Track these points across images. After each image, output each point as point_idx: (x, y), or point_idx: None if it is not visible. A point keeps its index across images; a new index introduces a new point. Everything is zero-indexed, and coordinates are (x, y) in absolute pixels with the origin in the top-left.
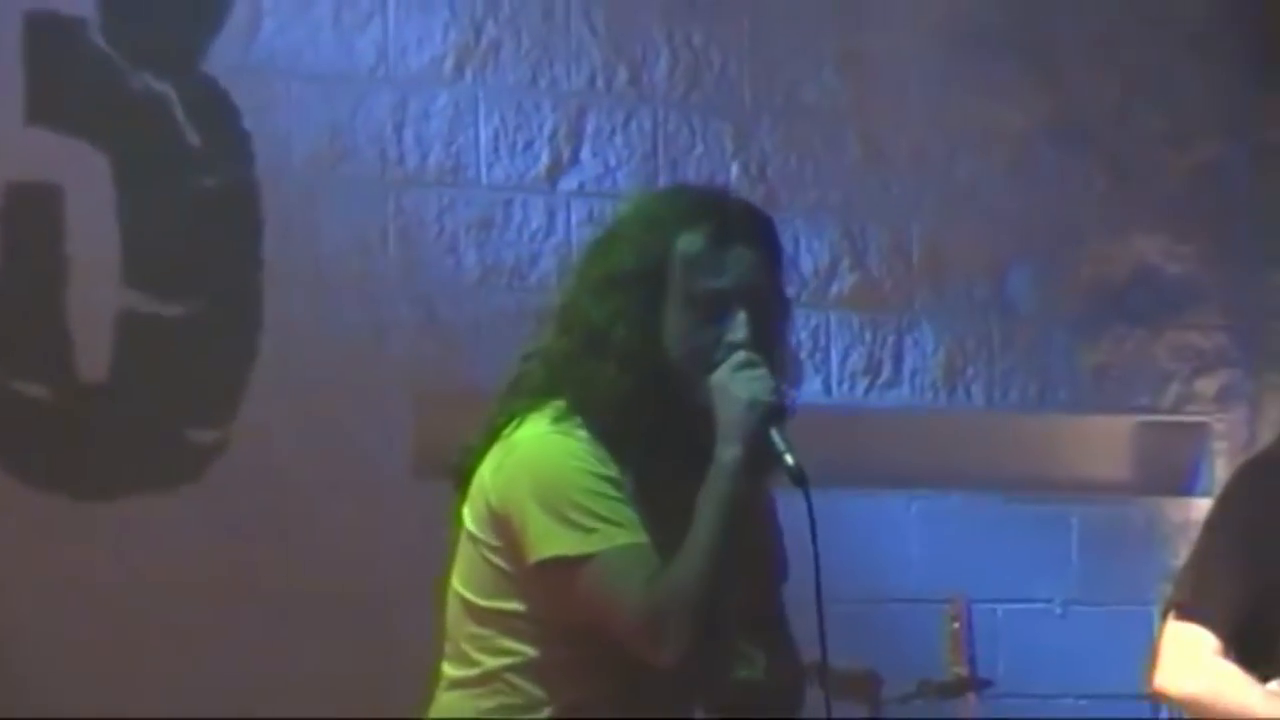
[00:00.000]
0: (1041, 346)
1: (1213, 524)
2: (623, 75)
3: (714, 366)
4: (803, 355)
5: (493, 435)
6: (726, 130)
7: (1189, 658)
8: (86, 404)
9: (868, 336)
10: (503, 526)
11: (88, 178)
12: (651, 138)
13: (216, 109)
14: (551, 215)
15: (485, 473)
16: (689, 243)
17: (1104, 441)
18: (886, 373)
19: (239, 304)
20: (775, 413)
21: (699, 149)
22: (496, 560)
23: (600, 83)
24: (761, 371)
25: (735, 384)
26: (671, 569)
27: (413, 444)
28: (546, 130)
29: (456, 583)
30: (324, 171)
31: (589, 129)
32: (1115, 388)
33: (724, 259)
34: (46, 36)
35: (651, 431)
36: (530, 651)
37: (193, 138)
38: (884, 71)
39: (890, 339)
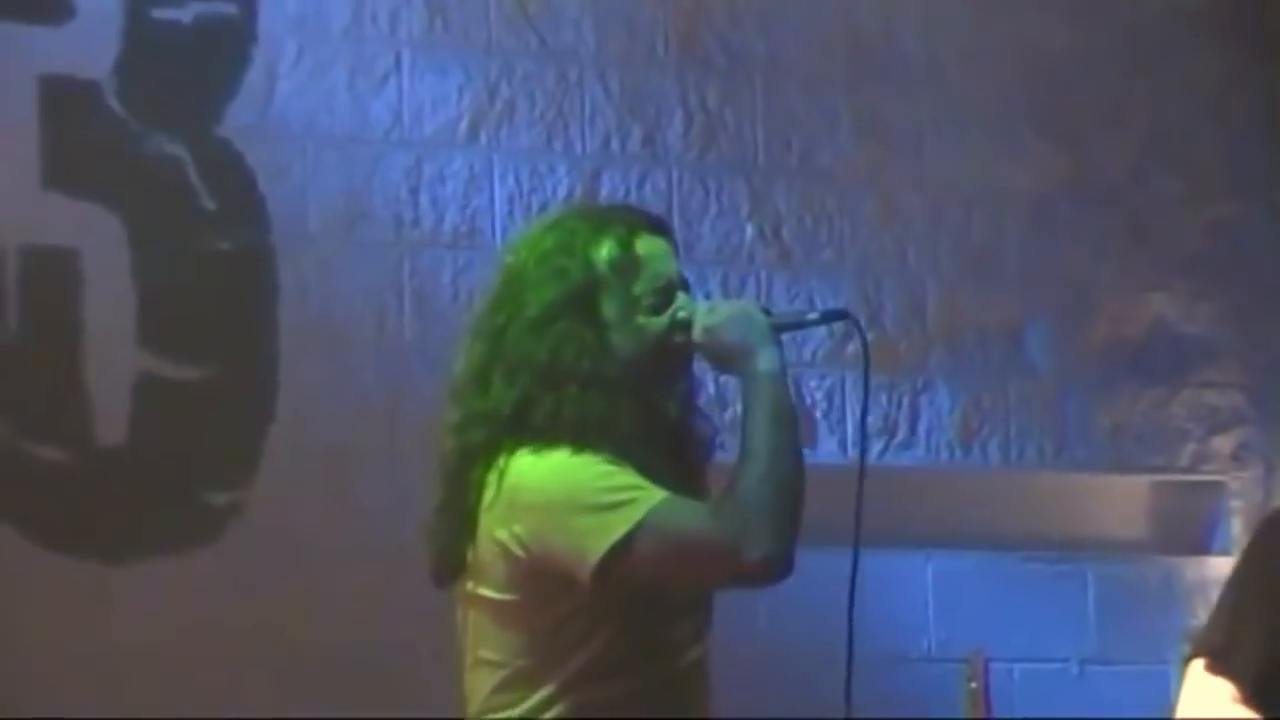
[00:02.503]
0: (1058, 405)
1: (1238, 576)
2: (637, 136)
3: (676, 349)
4: (818, 415)
5: (463, 512)
6: (741, 191)
7: (1213, 706)
8: (104, 467)
9: (883, 397)
10: (544, 565)
11: (104, 241)
12: (666, 198)
13: (232, 172)
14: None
15: (495, 533)
16: (609, 251)
17: (1120, 500)
18: (902, 433)
19: (255, 367)
20: (768, 314)
21: (714, 210)
22: (543, 608)
23: (615, 144)
24: (728, 300)
25: (718, 313)
26: (733, 485)
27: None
28: (561, 192)
29: (484, 653)
30: (339, 234)
31: (604, 190)
32: (1132, 446)
33: (645, 254)
34: (62, 100)
35: (633, 437)
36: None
37: (208, 201)
38: (899, 132)
39: (906, 399)
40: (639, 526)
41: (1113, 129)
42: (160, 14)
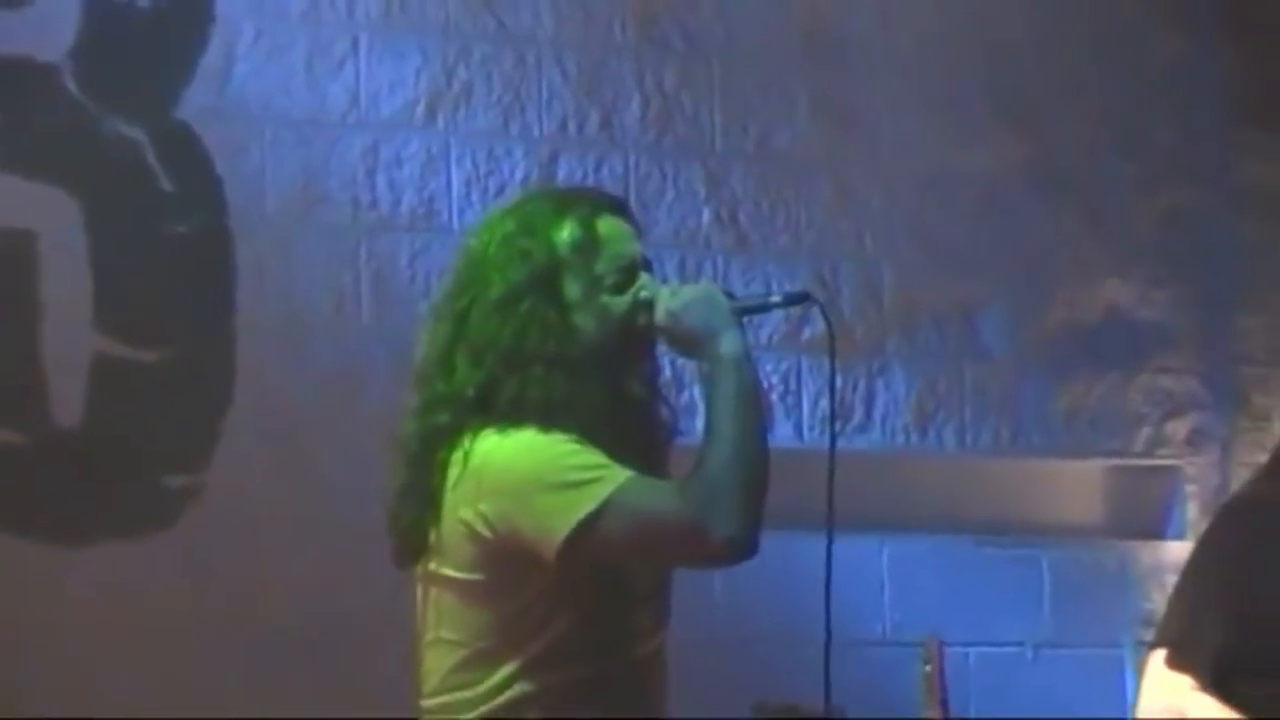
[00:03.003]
0: (1013, 390)
1: (1195, 566)
2: (594, 120)
3: (639, 329)
4: (774, 399)
5: (427, 494)
6: (698, 175)
7: (1173, 697)
8: (60, 449)
9: (839, 380)
10: (510, 544)
11: (60, 223)
12: (623, 182)
13: (189, 154)
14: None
15: (460, 512)
16: (571, 233)
17: (1076, 485)
18: (858, 416)
19: (212, 349)
20: (731, 297)
21: (670, 194)
22: (507, 588)
23: (572, 127)
24: (690, 284)
25: (681, 297)
26: (699, 466)
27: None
28: (518, 175)
29: (444, 634)
30: (297, 216)
31: (561, 174)
32: (1087, 431)
33: (606, 235)
34: (18, 83)
35: (599, 418)
36: (541, 678)
37: (165, 183)
38: (856, 116)
39: (861, 383)
40: (605, 504)
41: (1069, 114)
42: None
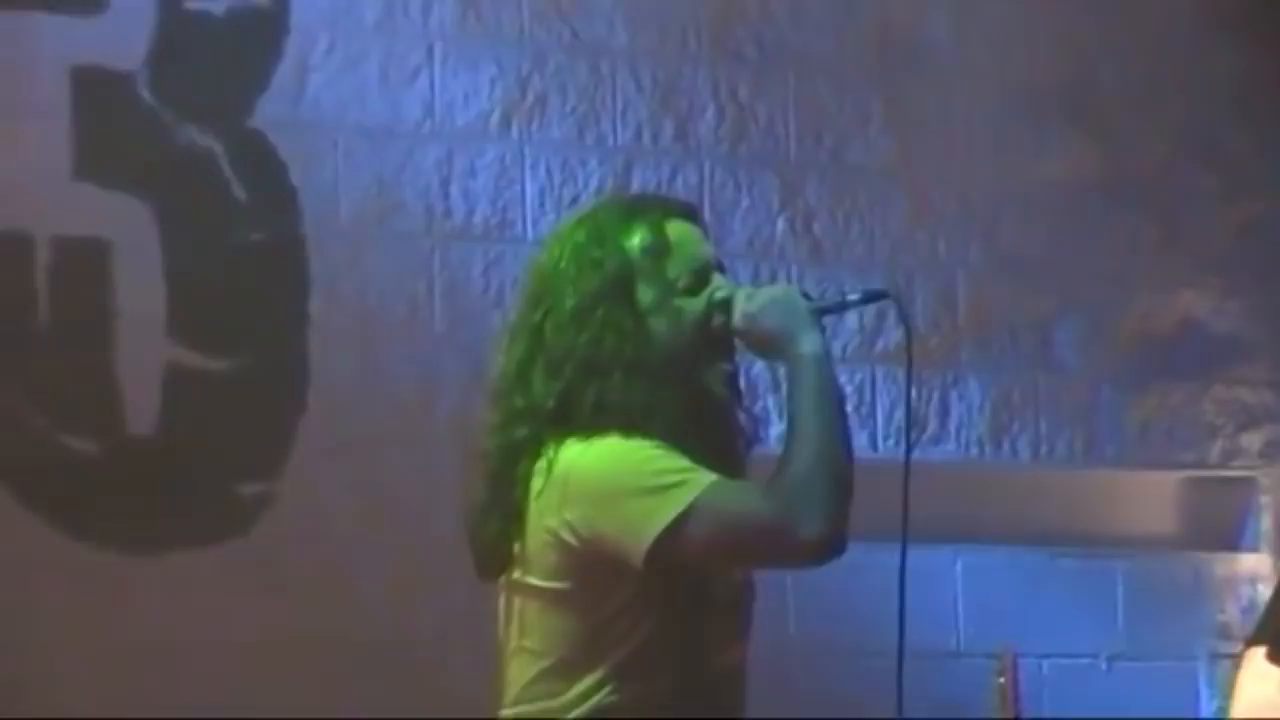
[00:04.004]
0: (1088, 401)
1: None
2: (669, 130)
3: (716, 328)
4: (849, 410)
5: (510, 507)
6: (773, 185)
7: (1271, 693)
8: (134, 458)
9: (913, 391)
10: (596, 550)
11: (135, 232)
12: (698, 192)
13: (263, 163)
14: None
15: (546, 520)
16: (641, 238)
17: (1150, 497)
18: (932, 427)
19: (286, 358)
20: (808, 298)
21: (745, 203)
22: (593, 597)
23: (646, 137)
24: (767, 286)
25: (758, 299)
26: (783, 466)
27: (460, 499)
28: (593, 185)
29: (527, 642)
30: (371, 226)
31: (635, 183)
32: (1162, 442)
33: (677, 238)
34: (94, 91)
35: (680, 422)
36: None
37: (239, 192)
38: (931, 126)
39: (936, 394)
40: (692, 508)
41: (1145, 124)
42: (192, 5)
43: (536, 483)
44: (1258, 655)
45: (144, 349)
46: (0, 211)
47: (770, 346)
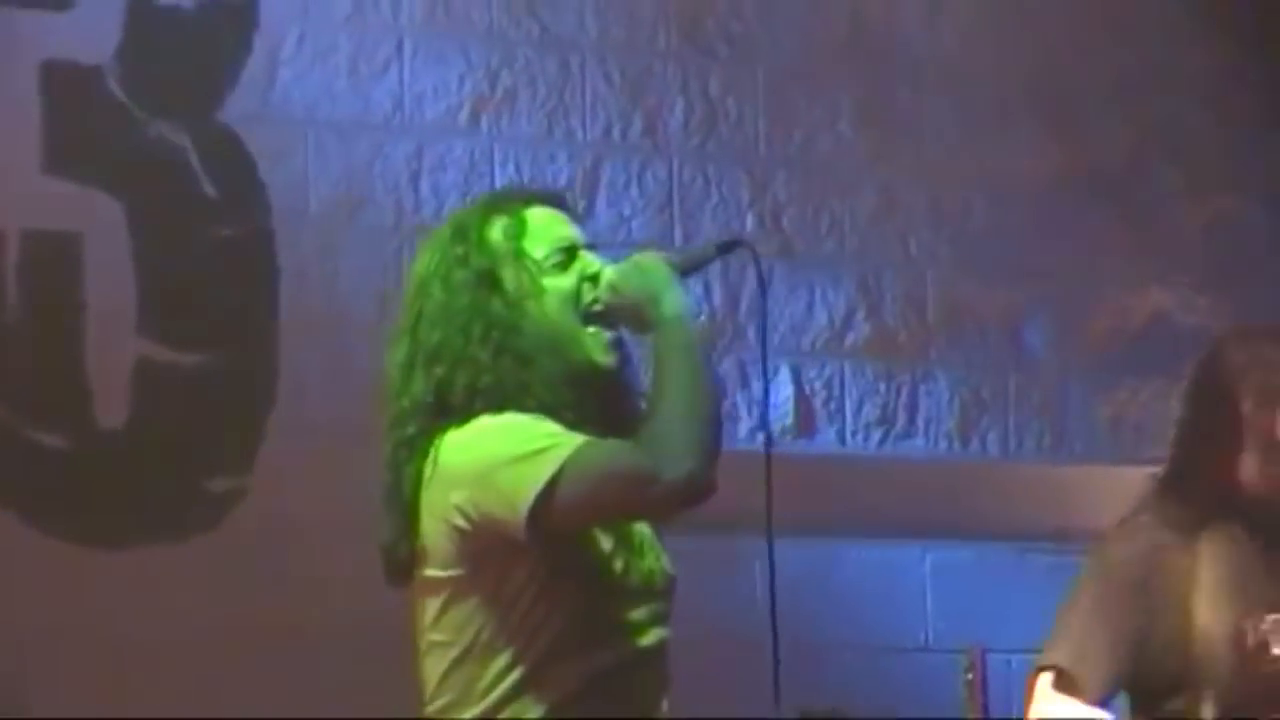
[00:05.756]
0: (1057, 397)
1: (1087, 590)
2: (638, 125)
3: (588, 302)
4: (817, 405)
5: (403, 505)
6: (742, 180)
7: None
8: (103, 452)
9: (882, 387)
10: (485, 529)
11: (104, 226)
12: (667, 187)
13: (232, 158)
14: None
15: (435, 510)
16: (503, 227)
17: (1120, 492)
18: (901, 423)
19: (255, 352)
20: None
21: (714, 199)
22: (490, 577)
23: (616, 133)
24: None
25: (621, 266)
26: (647, 421)
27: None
28: (562, 180)
29: (435, 636)
30: (340, 220)
31: (604, 179)
32: (1131, 438)
33: (540, 222)
34: (63, 85)
35: (559, 395)
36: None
37: (209, 187)
38: (900, 122)
39: (905, 389)
40: (561, 471)
41: (1113, 120)
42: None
43: (425, 476)
44: (1046, 680)
45: (113, 343)
46: None
47: (636, 312)
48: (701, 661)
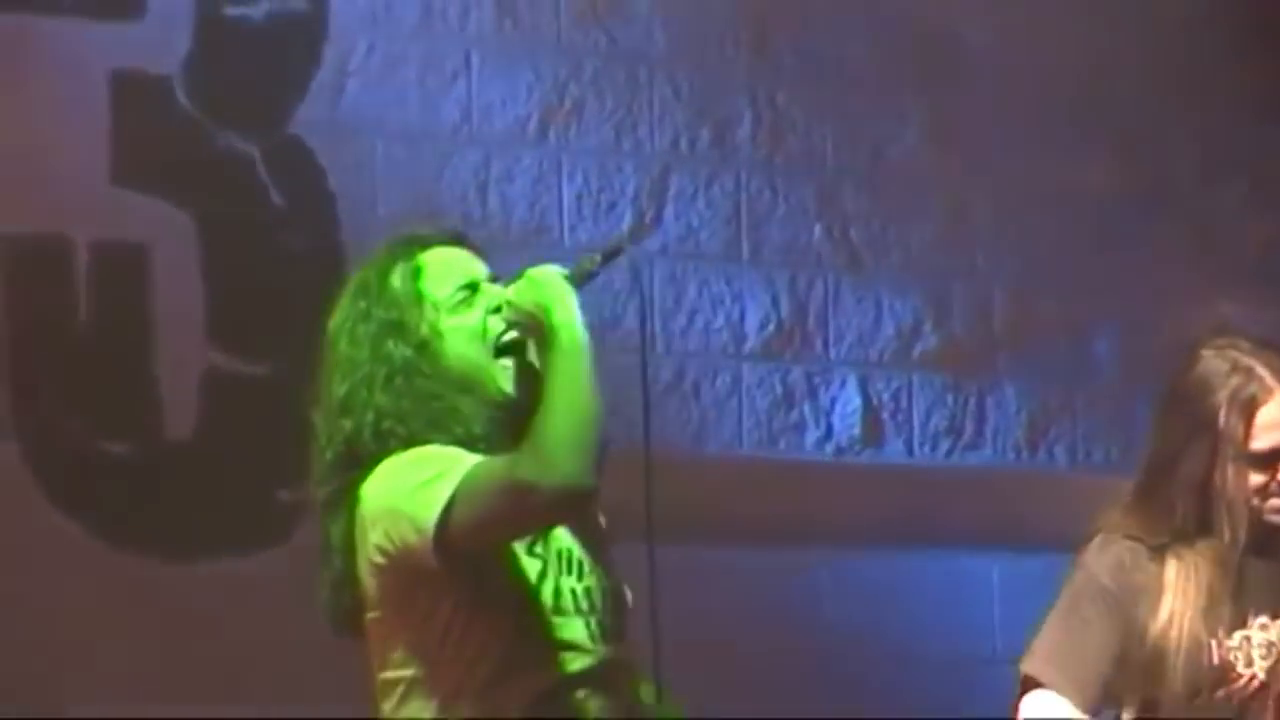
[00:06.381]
0: (1124, 409)
1: (1076, 600)
2: (706, 136)
3: (496, 335)
4: (885, 416)
5: (339, 560)
6: (810, 192)
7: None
8: (172, 463)
9: (950, 398)
10: (402, 562)
11: (174, 237)
12: (734, 199)
13: (301, 169)
14: (635, 276)
15: (363, 556)
16: (400, 273)
17: None
18: (969, 434)
19: None
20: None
21: (781, 210)
22: (418, 608)
23: (684, 144)
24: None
25: (516, 284)
26: (533, 429)
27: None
28: (630, 191)
29: (384, 674)
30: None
31: (672, 190)
32: None
33: (440, 264)
34: (133, 96)
35: (472, 430)
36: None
37: (277, 197)
38: (968, 135)
39: (973, 401)
40: (457, 491)
41: (1179, 135)
42: (232, 10)
43: (353, 527)
44: (1033, 683)
45: (182, 354)
46: (40, 216)
47: (534, 324)
48: (769, 671)
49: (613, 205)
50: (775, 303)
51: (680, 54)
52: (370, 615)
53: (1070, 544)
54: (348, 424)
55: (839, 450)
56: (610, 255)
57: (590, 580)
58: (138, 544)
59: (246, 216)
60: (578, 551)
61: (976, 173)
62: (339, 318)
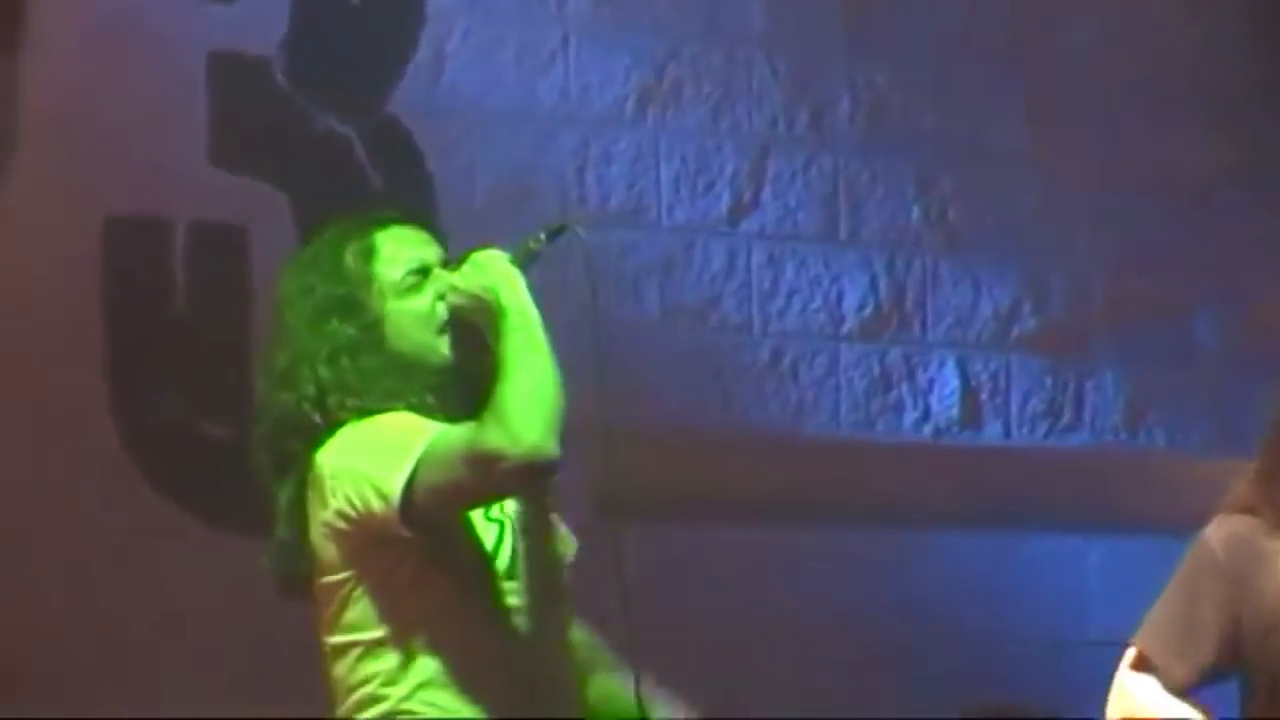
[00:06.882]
0: (1224, 391)
1: (1182, 577)
2: (804, 117)
3: (443, 321)
4: (983, 398)
5: (288, 525)
6: (909, 173)
7: (1149, 701)
8: None
9: (1048, 380)
10: (365, 527)
11: (271, 218)
12: (832, 180)
13: (399, 150)
14: (732, 257)
15: (320, 519)
16: (353, 252)
17: None
18: (1067, 416)
19: None
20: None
21: (880, 192)
22: (377, 571)
23: (782, 125)
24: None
25: (465, 265)
26: (493, 403)
27: (595, 482)
28: (728, 172)
29: (337, 639)
30: (506, 212)
31: (770, 171)
32: None
33: (392, 244)
34: (230, 77)
35: (420, 406)
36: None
37: (375, 179)
38: (1068, 116)
39: (1071, 382)
40: (421, 459)
41: (1277, 114)
42: None
43: (304, 492)
44: (1128, 655)
45: None
46: (139, 197)
47: (479, 305)
48: (865, 652)
49: (710, 186)
50: (873, 284)
51: (779, 35)
52: (324, 579)
53: (1168, 525)
54: (286, 396)
55: (937, 432)
56: (554, 234)
57: (547, 555)
58: (237, 526)
59: (344, 197)
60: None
61: (1075, 153)
62: (286, 289)
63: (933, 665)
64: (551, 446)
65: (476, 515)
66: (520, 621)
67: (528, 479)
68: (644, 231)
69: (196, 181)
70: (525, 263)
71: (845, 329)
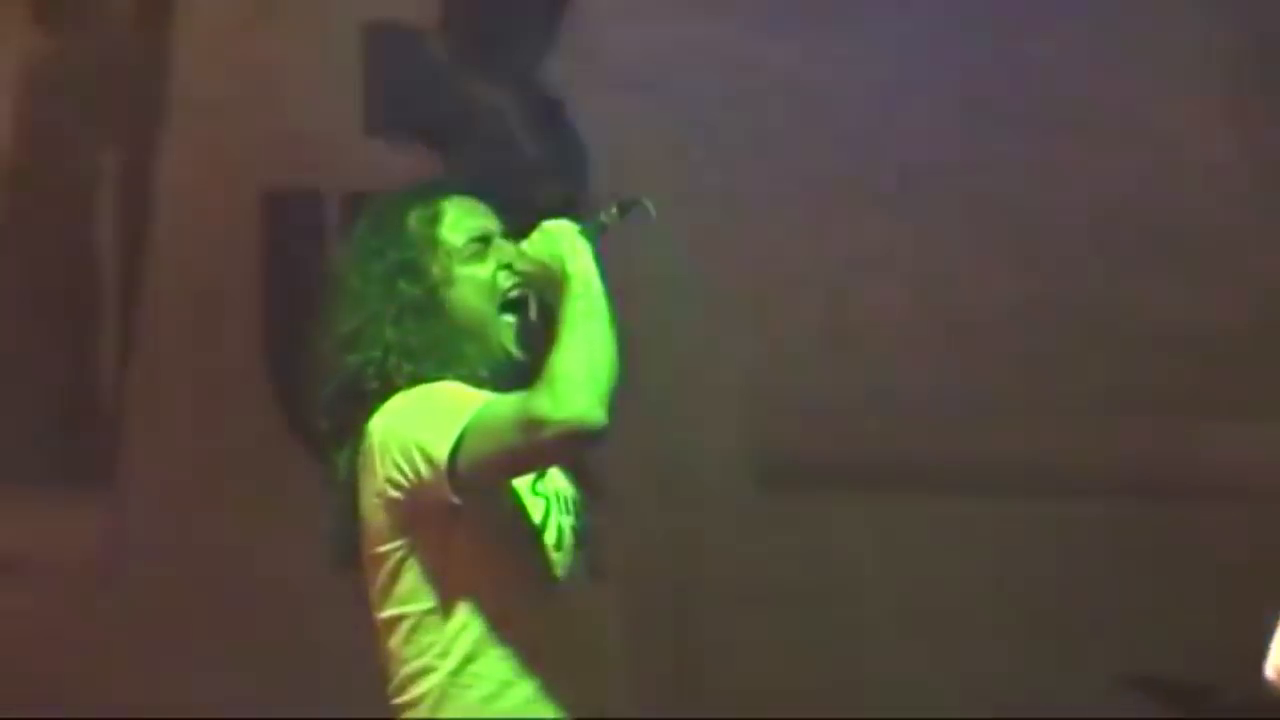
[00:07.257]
0: None
1: None
2: None
3: (504, 290)
4: None
5: (344, 494)
6: None
7: None
8: None
9: None
10: (417, 496)
11: None
12: None
13: (554, 120)
14: None
15: (373, 488)
16: (416, 217)
17: None
18: None
19: None
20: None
21: None
22: (431, 541)
23: None
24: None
25: (531, 237)
26: (545, 369)
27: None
28: None
29: (389, 611)
30: (663, 183)
31: None
32: None
33: (454, 213)
34: (384, 47)
35: (476, 376)
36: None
37: (530, 149)
38: None
39: None
40: (469, 425)
41: None
42: None
43: (359, 461)
44: None
45: None
46: (292, 167)
47: (545, 274)
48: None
49: None
50: None
51: None
52: (375, 550)
53: None
54: (353, 359)
55: None
56: (626, 208)
57: (579, 520)
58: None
59: (498, 168)
60: (570, 491)
61: None
62: (351, 254)
63: (1092, 637)
64: (598, 415)
65: (525, 489)
66: (568, 595)
67: (571, 445)
68: None
69: (351, 152)
70: (595, 235)
71: None
